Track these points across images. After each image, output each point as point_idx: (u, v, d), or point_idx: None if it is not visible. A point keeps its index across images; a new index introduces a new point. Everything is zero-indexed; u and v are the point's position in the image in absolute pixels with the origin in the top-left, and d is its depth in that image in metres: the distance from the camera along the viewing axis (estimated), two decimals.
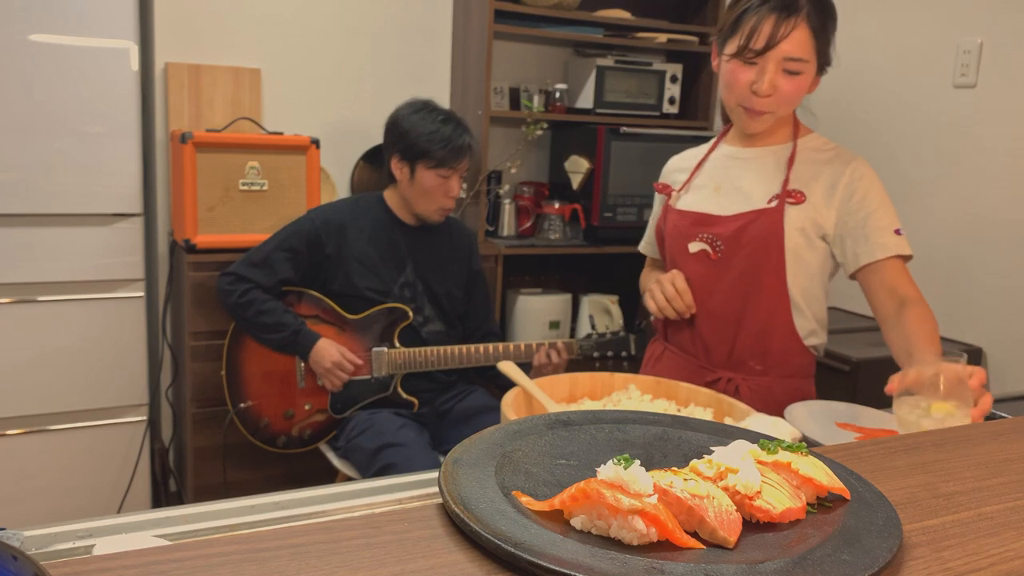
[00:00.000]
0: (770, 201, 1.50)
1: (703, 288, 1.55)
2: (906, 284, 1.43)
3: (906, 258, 1.45)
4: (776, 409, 1.50)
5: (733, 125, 1.61)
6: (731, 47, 1.45)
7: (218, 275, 2.25)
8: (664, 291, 1.54)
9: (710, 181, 1.59)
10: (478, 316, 2.42)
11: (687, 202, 1.60)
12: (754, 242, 1.49)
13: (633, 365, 2.25)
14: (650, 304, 1.57)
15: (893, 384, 1.18)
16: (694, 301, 1.55)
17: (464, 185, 2.98)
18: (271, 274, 2.20)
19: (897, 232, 1.45)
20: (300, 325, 2.19)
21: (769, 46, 1.40)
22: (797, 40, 1.41)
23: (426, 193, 2.22)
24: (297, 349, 2.21)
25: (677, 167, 1.69)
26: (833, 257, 1.52)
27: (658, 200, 1.72)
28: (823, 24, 1.46)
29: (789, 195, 1.49)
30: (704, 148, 1.68)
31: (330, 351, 2.19)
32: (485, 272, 2.50)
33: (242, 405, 2.28)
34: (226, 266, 2.26)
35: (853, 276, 1.49)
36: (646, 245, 1.81)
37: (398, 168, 2.24)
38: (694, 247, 1.55)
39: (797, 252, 1.49)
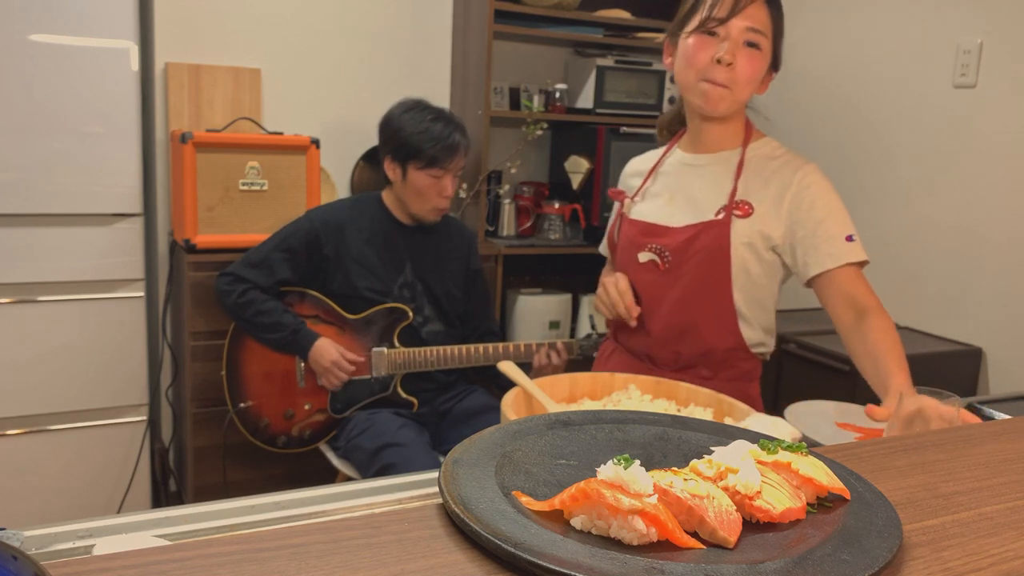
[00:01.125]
0: (718, 213, 1.48)
1: (651, 298, 1.53)
2: (863, 292, 1.38)
3: (861, 264, 1.41)
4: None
5: (686, 130, 1.59)
6: (691, 24, 1.46)
7: (217, 275, 2.25)
8: (608, 293, 1.55)
9: (664, 190, 1.58)
10: (477, 315, 2.42)
11: (640, 211, 1.59)
12: (699, 255, 1.48)
13: None
14: (598, 304, 1.60)
15: (876, 414, 1.17)
16: (643, 310, 1.54)
17: (464, 185, 2.98)
18: (269, 274, 2.20)
19: (849, 239, 1.41)
20: (299, 324, 2.19)
21: (734, 12, 1.41)
22: (757, 13, 1.44)
23: (419, 193, 2.22)
24: (296, 348, 2.21)
25: (634, 171, 1.68)
26: (785, 266, 1.50)
27: (615, 206, 1.70)
28: (779, 11, 1.48)
29: (736, 207, 1.48)
30: (658, 151, 1.66)
31: (329, 350, 2.18)
32: (484, 271, 2.50)
33: (242, 405, 2.28)
34: (226, 266, 2.26)
35: (808, 285, 1.46)
36: (605, 247, 1.79)
37: (391, 169, 2.24)
38: (643, 257, 1.55)
39: (743, 265, 1.47)
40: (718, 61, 1.42)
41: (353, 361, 2.21)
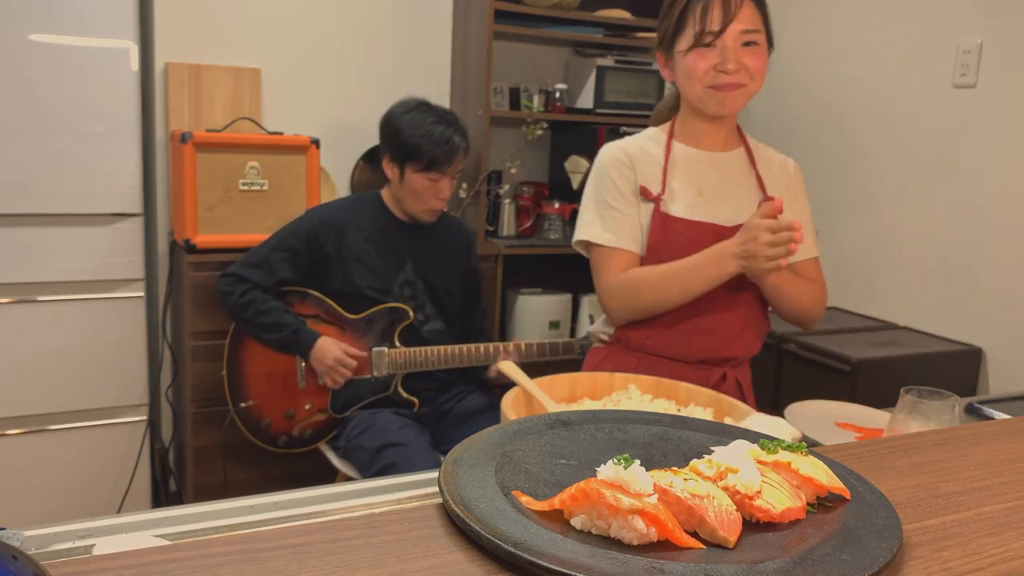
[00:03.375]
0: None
1: (708, 296, 1.50)
2: (819, 277, 1.60)
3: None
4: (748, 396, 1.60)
5: (678, 124, 1.57)
6: (685, 41, 1.46)
7: (218, 276, 2.25)
8: (776, 226, 1.38)
9: (688, 185, 1.54)
10: (465, 311, 2.42)
11: (684, 210, 1.53)
12: None
13: None
14: (757, 252, 1.39)
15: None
16: (705, 310, 1.52)
17: (464, 185, 2.98)
18: (270, 274, 2.20)
19: (816, 233, 1.62)
20: (300, 324, 2.19)
21: (727, 22, 1.42)
22: (748, 14, 1.45)
23: (415, 194, 2.21)
24: (297, 348, 2.20)
25: (640, 164, 1.55)
26: None
27: (638, 200, 1.55)
28: (764, 1, 1.51)
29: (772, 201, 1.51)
30: (650, 144, 1.58)
31: (331, 348, 2.18)
32: (483, 271, 2.50)
33: (243, 405, 2.28)
34: (226, 266, 2.26)
35: None
36: (625, 239, 1.55)
37: (389, 168, 2.24)
38: None
39: None
40: (723, 71, 1.44)
41: (355, 356, 2.21)
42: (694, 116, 1.55)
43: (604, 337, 1.66)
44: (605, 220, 1.55)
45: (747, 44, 1.45)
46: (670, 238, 1.51)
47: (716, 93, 1.47)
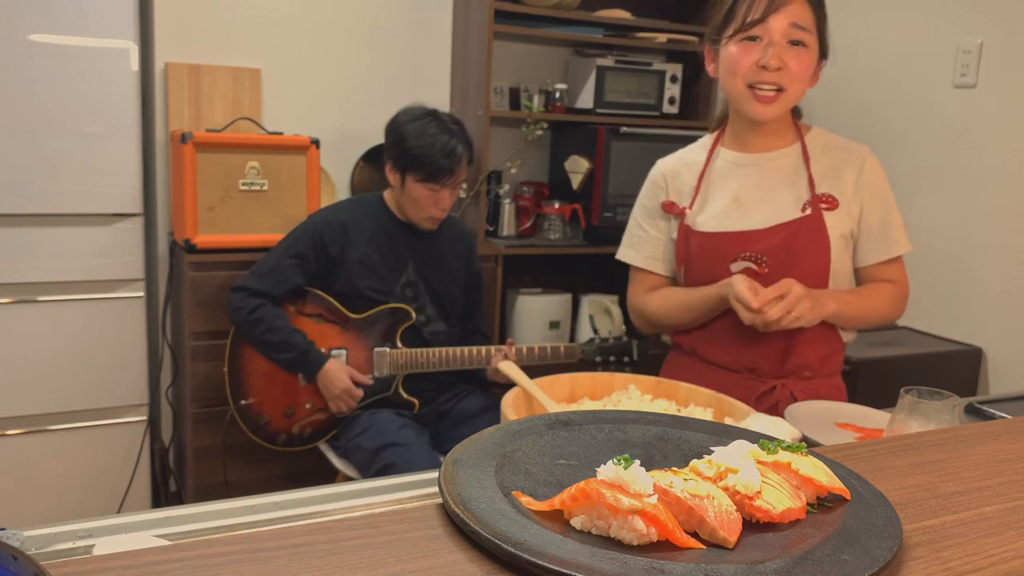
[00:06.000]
0: (804, 208, 1.46)
1: None
2: (902, 278, 1.53)
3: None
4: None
5: (727, 128, 1.55)
6: (730, 29, 1.41)
7: (229, 291, 2.24)
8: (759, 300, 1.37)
9: (723, 193, 1.51)
10: (466, 314, 2.42)
11: (711, 222, 1.50)
12: (802, 252, 1.45)
13: (635, 370, 2.25)
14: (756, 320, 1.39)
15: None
16: (740, 324, 1.46)
17: (464, 185, 2.98)
18: (281, 282, 2.19)
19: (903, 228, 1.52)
20: (308, 346, 2.18)
21: (771, 10, 1.36)
22: (797, 8, 1.38)
23: (416, 203, 2.21)
24: (305, 369, 2.20)
25: (672, 176, 1.58)
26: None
27: (664, 218, 1.58)
28: (820, 1, 1.44)
29: (821, 200, 1.46)
30: (695, 153, 1.59)
31: (340, 376, 2.18)
32: (484, 273, 2.50)
33: (243, 402, 2.28)
34: (226, 266, 2.26)
35: (855, 269, 1.53)
36: (648, 260, 1.61)
37: (391, 174, 2.24)
38: (736, 267, 1.48)
39: (838, 258, 1.48)
40: (763, 67, 1.38)
41: (362, 383, 2.21)
42: (739, 120, 1.51)
43: (665, 340, 1.69)
44: (633, 240, 1.64)
45: (794, 44, 1.38)
46: (694, 251, 1.52)
47: (753, 98, 1.41)
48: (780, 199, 1.48)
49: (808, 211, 1.46)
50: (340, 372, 2.18)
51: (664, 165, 1.62)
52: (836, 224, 1.47)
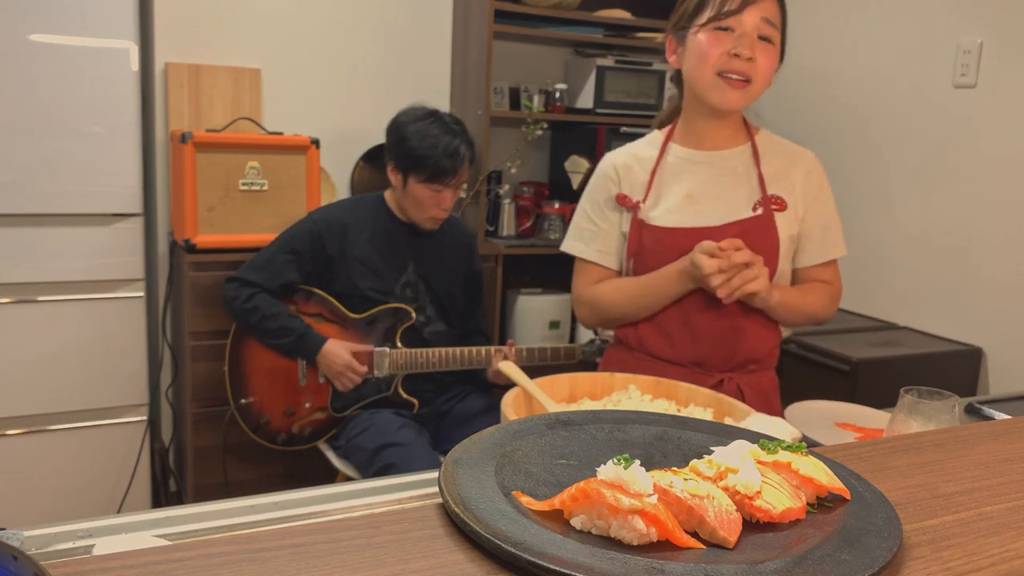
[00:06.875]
0: (755, 208, 1.48)
1: (700, 300, 1.49)
2: (836, 279, 1.57)
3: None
4: (765, 401, 1.53)
5: (680, 124, 1.56)
6: (703, 18, 1.42)
7: (223, 281, 2.25)
8: (731, 258, 1.39)
9: (677, 189, 1.52)
10: (467, 314, 2.42)
11: (665, 217, 1.50)
12: (754, 250, 1.44)
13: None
14: (711, 274, 1.39)
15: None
16: (695, 314, 1.49)
17: (464, 185, 2.98)
18: (275, 276, 2.20)
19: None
20: (305, 329, 2.19)
21: (748, 3, 1.38)
22: (770, 6, 1.41)
23: (417, 203, 2.21)
24: (304, 353, 2.21)
25: (627, 173, 1.56)
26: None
27: (616, 210, 1.56)
28: (784, 2, 1.47)
29: (772, 202, 1.49)
30: (645, 149, 1.58)
31: (340, 353, 2.18)
32: (484, 273, 2.50)
33: (243, 401, 2.28)
34: (226, 266, 2.26)
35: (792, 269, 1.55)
36: (598, 253, 1.58)
37: (393, 174, 2.24)
38: None
39: (783, 258, 1.51)
40: (736, 55, 1.39)
41: (360, 353, 2.21)
42: (696, 114, 1.51)
43: (607, 336, 1.67)
44: (582, 233, 1.60)
45: (763, 39, 1.41)
46: (647, 245, 1.51)
47: (723, 84, 1.42)
48: (733, 197, 1.50)
49: (760, 211, 1.48)
50: (339, 348, 2.19)
51: (614, 158, 1.60)
52: (784, 226, 1.49)
